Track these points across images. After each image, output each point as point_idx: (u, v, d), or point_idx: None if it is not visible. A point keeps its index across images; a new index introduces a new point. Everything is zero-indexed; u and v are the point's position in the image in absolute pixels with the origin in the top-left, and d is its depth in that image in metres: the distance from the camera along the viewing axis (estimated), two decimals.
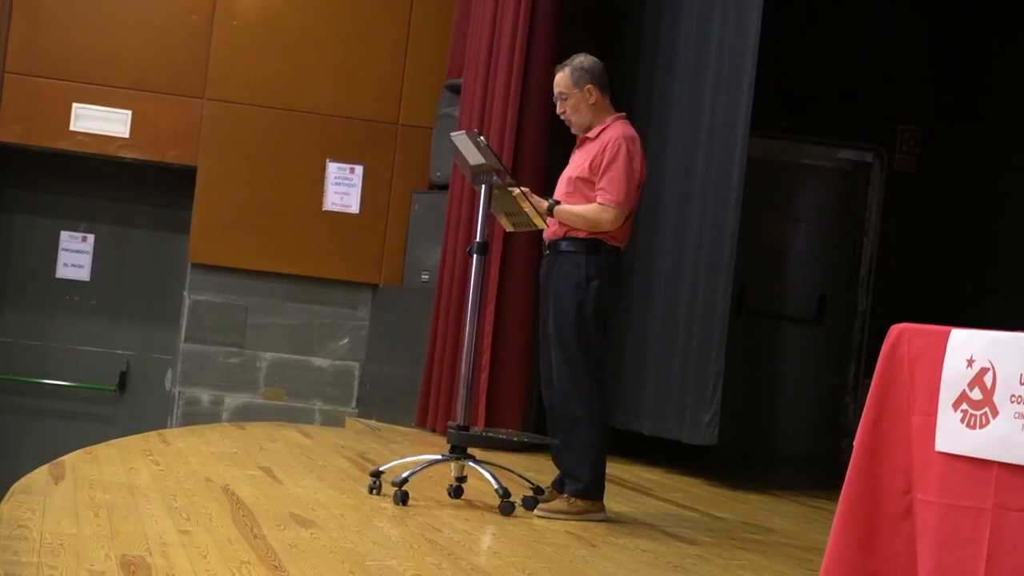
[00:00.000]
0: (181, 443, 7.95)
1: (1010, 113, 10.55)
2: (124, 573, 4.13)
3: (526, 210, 6.40)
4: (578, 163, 6.43)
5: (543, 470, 7.61)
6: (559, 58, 6.82)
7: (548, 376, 6.46)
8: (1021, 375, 3.60)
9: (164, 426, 10.41)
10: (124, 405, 11.11)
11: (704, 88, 8.61)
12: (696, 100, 8.70)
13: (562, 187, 6.45)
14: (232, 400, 10.79)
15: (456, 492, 6.47)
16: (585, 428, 6.28)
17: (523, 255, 9.26)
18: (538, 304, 6.82)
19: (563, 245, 6.35)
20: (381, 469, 6.49)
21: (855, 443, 4.07)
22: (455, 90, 10.23)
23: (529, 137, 9.35)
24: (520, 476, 6.64)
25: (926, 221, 11.07)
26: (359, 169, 10.95)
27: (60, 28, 10.61)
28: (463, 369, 6.45)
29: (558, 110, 6.53)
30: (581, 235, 6.30)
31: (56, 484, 5.87)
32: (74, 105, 10.63)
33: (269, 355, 10.87)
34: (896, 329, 4.05)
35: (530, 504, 6.32)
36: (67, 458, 6.70)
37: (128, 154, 10.74)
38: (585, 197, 6.31)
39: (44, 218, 11.03)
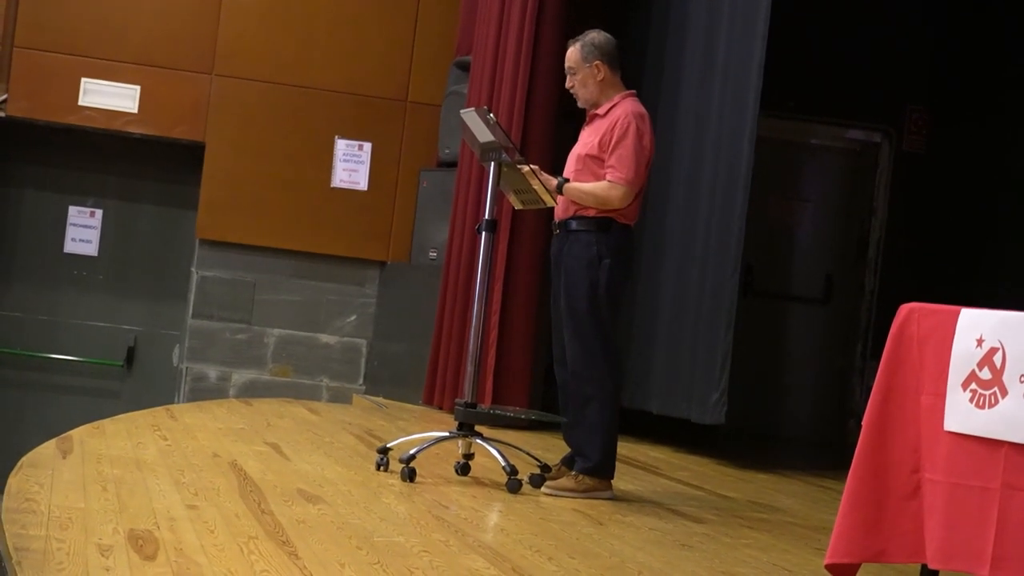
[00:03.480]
0: (188, 419, 7.95)
1: (1019, 92, 10.52)
2: (132, 547, 4.14)
3: (535, 187, 6.39)
4: (587, 140, 6.42)
5: (550, 448, 7.62)
6: (568, 35, 6.81)
7: (561, 354, 6.45)
8: None
9: (171, 402, 10.42)
10: (131, 380, 11.12)
11: (714, 68, 8.60)
12: (706, 80, 8.69)
13: (571, 164, 6.44)
14: (239, 376, 10.80)
15: (463, 469, 6.47)
16: (596, 407, 6.28)
17: (531, 233, 9.25)
18: (546, 282, 6.82)
19: (574, 224, 6.34)
20: (388, 446, 6.49)
21: (864, 422, 4.07)
22: (464, 67, 10.21)
23: (538, 114, 9.33)
24: (527, 453, 6.65)
25: (934, 201, 11.05)
26: (367, 146, 10.94)
27: (69, 3, 10.60)
28: (470, 346, 6.45)
29: (567, 84, 6.52)
30: (591, 214, 6.29)
31: (64, 458, 5.88)
32: (83, 80, 10.62)
33: (276, 331, 10.87)
34: (905, 308, 4.05)
35: (537, 481, 6.33)
36: (75, 433, 6.72)
37: (136, 129, 10.74)
38: (594, 175, 6.30)
39: (52, 193, 11.03)
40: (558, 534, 5.29)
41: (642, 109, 6.40)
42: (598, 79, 6.41)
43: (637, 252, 6.90)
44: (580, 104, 6.53)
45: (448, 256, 9.80)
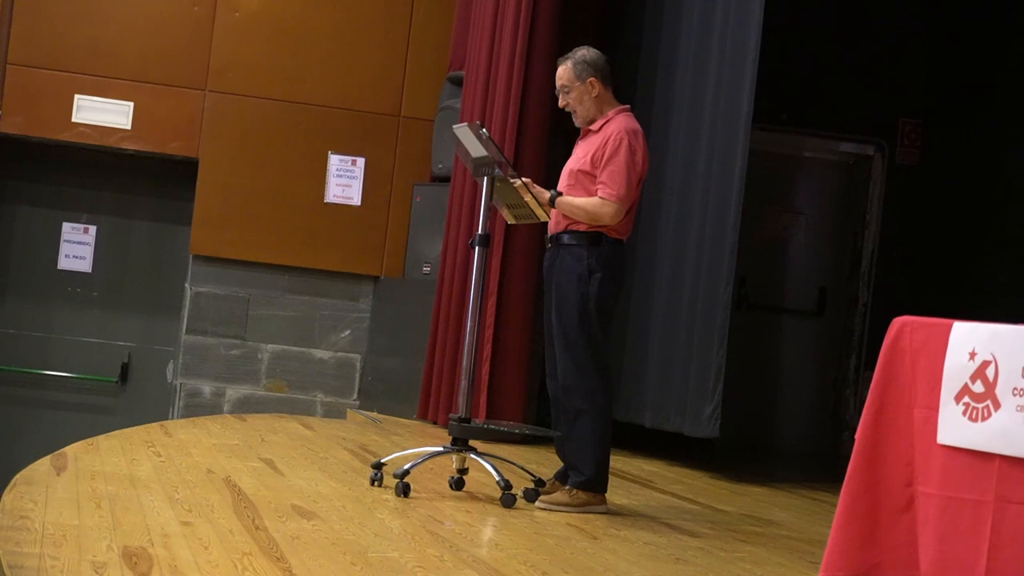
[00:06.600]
0: (183, 435, 7.95)
1: (1012, 105, 10.54)
2: (126, 564, 4.13)
3: (528, 202, 6.40)
4: (580, 155, 6.42)
5: (544, 462, 7.62)
6: (561, 50, 6.81)
7: (553, 368, 6.46)
8: (1023, 368, 3.60)
9: (165, 418, 10.42)
10: (126, 396, 11.11)
11: (706, 81, 8.61)
12: (698, 93, 8.70)
13: (564, 179, 6.45)
14: (233, 392, 10.79)
15: (457, 484, 6.47)
16: (588, 421, 6.28)
17: (524, 247, 9.26)
18: (540, 297, 6.82)
19: (565, 238, 6.35)
20: (383, 461, 6.49)
21: (857, 436, 4.07)
22: (457, 82, 10.23)
23: (531, 129, 9.35)
24: (521, 468, 6.65)
25: (928, 214, 11.07)
26: (361, 161, 10.95)
27: (62, 19, 10.61)
28: (464, 361, 6.46)
29: (560, 103, 6.53)
30: (582, 228, 6.30)
31: (58, 475, 5.87)
32: (76, 97, 10.62)
33: (270, 347, 10.87)
34: (898, 322, 4.05)
35: (531, 496, 6.33)
36: (69, 449, 6.70)
37: (130, 146, 10.74)
38: (586, 190, 6.31)
39: (46, 209, 11.03)
40: (552, 549, 5.29)
41: (636, 125, 6.40)
42: (593, 95, 6.42)
43: (629, 266, 6.90)
44: (578, 123, 6.52)
45: (442, 270, 9.81)
